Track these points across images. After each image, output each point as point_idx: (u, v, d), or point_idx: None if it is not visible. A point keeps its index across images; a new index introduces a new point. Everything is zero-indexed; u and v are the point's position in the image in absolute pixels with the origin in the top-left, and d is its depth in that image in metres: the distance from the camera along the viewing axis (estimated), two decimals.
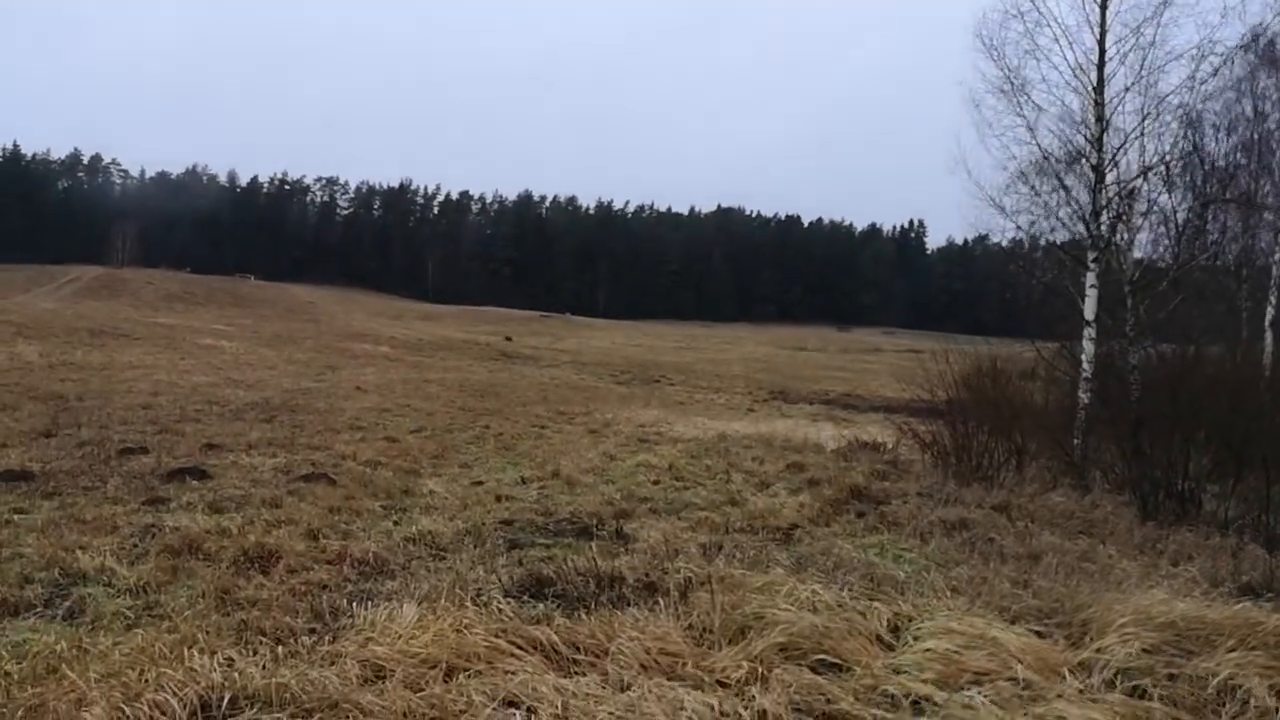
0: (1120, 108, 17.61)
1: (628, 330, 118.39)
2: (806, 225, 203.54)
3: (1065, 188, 18.09)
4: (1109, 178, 17.88)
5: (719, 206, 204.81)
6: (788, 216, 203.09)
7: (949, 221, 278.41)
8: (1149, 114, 17.51)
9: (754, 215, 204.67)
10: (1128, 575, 9.06)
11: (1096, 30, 17.51)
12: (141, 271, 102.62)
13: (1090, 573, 9.18)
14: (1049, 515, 12.63)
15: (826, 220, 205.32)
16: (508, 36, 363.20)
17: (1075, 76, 17.68)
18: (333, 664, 5.63)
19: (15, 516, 9.90)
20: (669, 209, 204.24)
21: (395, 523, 10.60)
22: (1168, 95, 17.58)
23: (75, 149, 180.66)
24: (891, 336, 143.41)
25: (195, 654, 5.61)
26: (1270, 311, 22.58)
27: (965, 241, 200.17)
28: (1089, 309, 17.63)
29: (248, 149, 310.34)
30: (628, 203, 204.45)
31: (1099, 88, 17.60)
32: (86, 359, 31.36)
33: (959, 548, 10.50)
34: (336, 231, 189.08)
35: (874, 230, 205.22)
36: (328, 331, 66.52)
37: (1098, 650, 6.11)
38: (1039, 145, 18.04)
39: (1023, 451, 16.59)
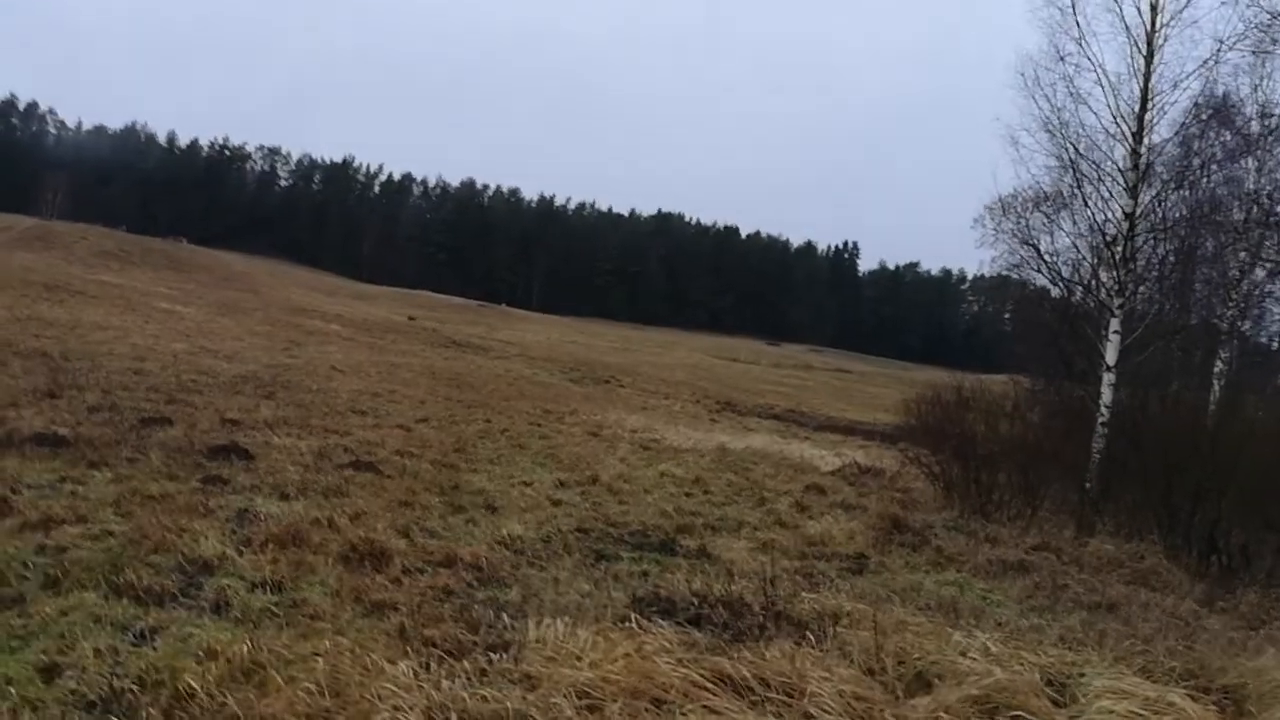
0: (1160, 156, 17.77)
1: (563, 327, 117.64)
2: (744, 237, 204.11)
3: (1105, 236, 18.18)
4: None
5: (659, 210, 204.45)
6: (726, 227, 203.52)
7: (880, 246, 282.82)
8: (1186, 165, 17.68)
9: (693, 222, 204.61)
10: (1221, 635, 9.05)
11: (1140, 79, 17.63)
12: (74, 226, 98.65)
13: (1184, 630, 9.15)
14: (1096, 562, 12.65)
15: (764, 234, 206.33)
16: (465, 27, 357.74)
17: (1115, 123, 17.77)
18: (533, 687, 5.37)
19: (79, 488, 9.45)
20: (609, 208, 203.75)
21: (468, 521, 10.32)
22: (1204, 149, 17.80)
23: (11, 94, 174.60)
24: (820, 355, 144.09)
25: (399, 666, 5.34)
26: (1219, 364, 22.76)
27: (896, 268, 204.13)
28: (1110, 354, 17.67)
29: (191, 111, 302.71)
30: (569, 199, 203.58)
31: (1138, 135, 17.70)
32: (53, 315, 30.18)
33: (1035, 591, 10.44)
34: (274, 202, 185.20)
35: (809, 248, 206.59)
36: (270, 304, 65.18)
37: None
38: (1078, 191, 18.15)
39: (1033, 490, 16.58)
